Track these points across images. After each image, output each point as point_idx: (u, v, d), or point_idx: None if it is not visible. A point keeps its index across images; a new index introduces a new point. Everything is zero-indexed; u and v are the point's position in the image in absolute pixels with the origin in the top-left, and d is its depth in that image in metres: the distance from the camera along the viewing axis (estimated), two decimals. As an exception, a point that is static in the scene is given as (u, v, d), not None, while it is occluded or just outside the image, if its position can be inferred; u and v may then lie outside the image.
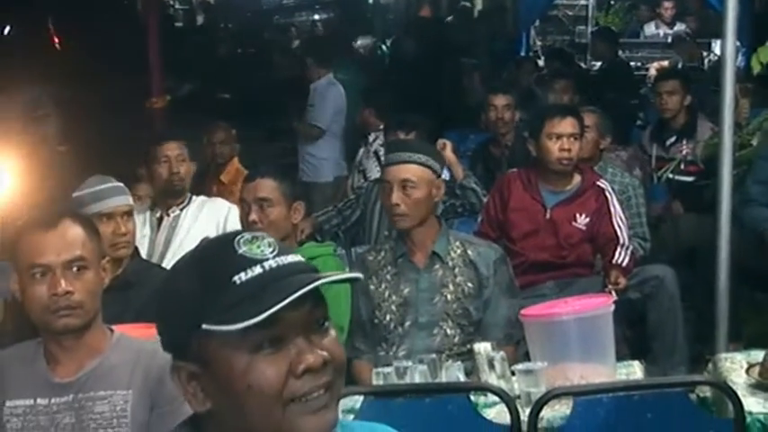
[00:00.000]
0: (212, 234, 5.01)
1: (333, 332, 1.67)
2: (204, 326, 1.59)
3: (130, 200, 4.47)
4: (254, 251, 1.63)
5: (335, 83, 9.00)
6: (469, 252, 4.27)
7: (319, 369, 1.61)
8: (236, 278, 1.59)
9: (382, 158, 6.31)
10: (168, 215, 5.28)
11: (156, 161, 5.28)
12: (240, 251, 1.62)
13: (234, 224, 5.09)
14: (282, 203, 4.26)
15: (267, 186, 4.28)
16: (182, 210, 5.29)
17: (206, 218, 5.24)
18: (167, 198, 5.29)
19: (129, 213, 4.39)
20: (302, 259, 1.67)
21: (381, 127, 7.04)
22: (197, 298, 1.62)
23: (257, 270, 1.60)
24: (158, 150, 5.30)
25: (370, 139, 7.48)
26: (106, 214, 4.25)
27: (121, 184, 4.48)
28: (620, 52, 12.75)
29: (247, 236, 1.65)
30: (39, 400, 2.94)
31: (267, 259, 1.62)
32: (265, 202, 4.25)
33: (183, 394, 1.66)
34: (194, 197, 5.40)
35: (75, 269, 2.91)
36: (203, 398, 1.65)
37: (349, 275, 1.68)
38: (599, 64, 12.45)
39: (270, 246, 1.64)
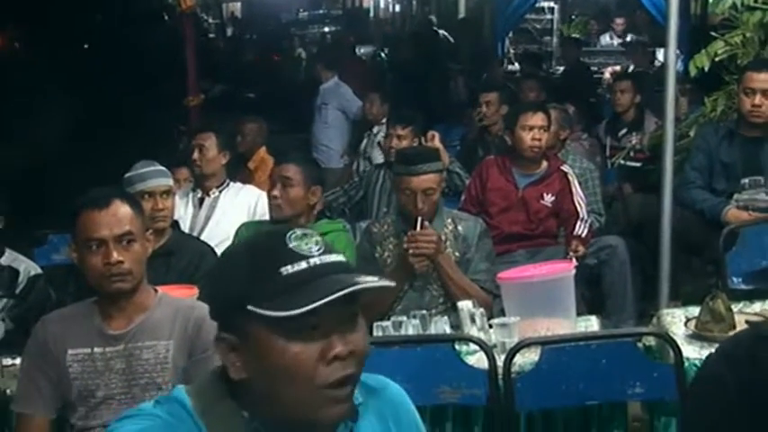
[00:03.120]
0: (244, 215, 5.03)
1: (362, 327, 1.62)
2: (249, 307, 1.54)
3: (170, 181, 4.43)
4: (302, 247, 1.57)
5: (341, 84, 8.96)
6: (459, 227, 4.25)
7: (346, 358, 1.57)
8: (283, 269, 1.55)
9: (383, 145, 6.31)
10: (209, 195, 5.25)
11: (191, 149, 5.27)
12: (290, 245, 1.57)
13: (263, 208, 5.09)
14: (302, 185, 4.24)
15: (291, 169, 4.27)
16: (220, 192, 5.25)
17: (240, 202, 5.20)
18: (204, 181, 5.26)
19: (167, 192, 4.35)
20: (344, 259, 1.62)
21: (383, 120, 7.02)
22: (246, 281, 1.57)
23: (303, 265, 1.55)
24: (193, 140, 5.29)
25: (375, 130, 7.45)
26: (148, 192, 4.23)
27: (162, 168, 4.44)
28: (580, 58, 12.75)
29: (298, 232, 1.60)
30: (95, 349, 2.94)
31: (313, 256, 1.56)
32: (288, 181, 4.23)
33: (223, 361, 1.62)
34: (232, 183, 5.33)
35: (124, 242, 2.90)
36: (240, 368, 1.60)
37: (385, 283, 1.59)
38: (562, 68, 12.46)
39: (317, 244, 1.59)
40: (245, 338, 1.58)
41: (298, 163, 4.34)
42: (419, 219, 4.08)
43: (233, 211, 5.13)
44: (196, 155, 5.19)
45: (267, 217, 4.76)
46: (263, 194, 5.09)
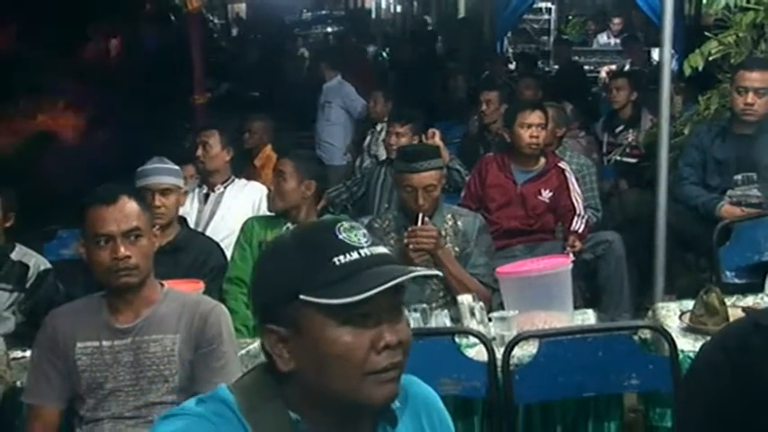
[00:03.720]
0: (249, 211, 5.02)
1: (407, 318, 1.64)
2: (302, 296, 1.54)
3: (173, 179, 4.37)
4: (352, 239, 1.58)
5: (344, 82, 8.95)
6: (459, 222, 4.24)
7: (395, 347, 1.57)
8: (335, 259, 1.55)
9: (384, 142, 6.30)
10: (214, 191, 5.24)
11: (196, 146, 5.26)
12: (340, 237, 1.58)
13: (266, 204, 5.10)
14: (294, 178, 4.30)
15: (285, 163, 4.37)
16: (225, 188, 5.24)
17: (245, 197, 5.20)
18: (209, 177, 5.25)
19: (168, 190, 4.29)
20: (388, 252, 1.64)
21: (386, 118, 7.00)
22: (298, 272, 1.56)
23: (354, 255, 1.56)
24: (198, 137, 5.28)
25: (378, 128, 7.43)
26: (147, 188, 4.20)
27: (169, 166, 4.41)
28: (575, 58, 12.74)
29: (347, 224, 1.61)
30: (104, 342, 2.94)
31: (363, 247, 1.58)
32: (281, 175, 4.33)
33: (271, 354, 1.60)
34: (236, 179, 5.32)
35: (132, 237, 2.90)
36: (289, 359, 1.59)
37: (432, 272, 1.66)
38: (557, 67, 12.47)
39: (365, 236, 1.60)
40: (297, 329, 1.57)
41: (291, 158, 4.42)
42: (419, 214, 4.07)
43: (237, 206, 5.12)
44: (200, 151, 5.18)
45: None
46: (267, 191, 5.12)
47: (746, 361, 1.78)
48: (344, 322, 1.55)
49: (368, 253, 1.58)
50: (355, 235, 1.59)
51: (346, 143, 8.59)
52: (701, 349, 1.99)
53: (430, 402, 1.81)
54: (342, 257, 1.56)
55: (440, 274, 1.67)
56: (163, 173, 4.35)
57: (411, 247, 4.02)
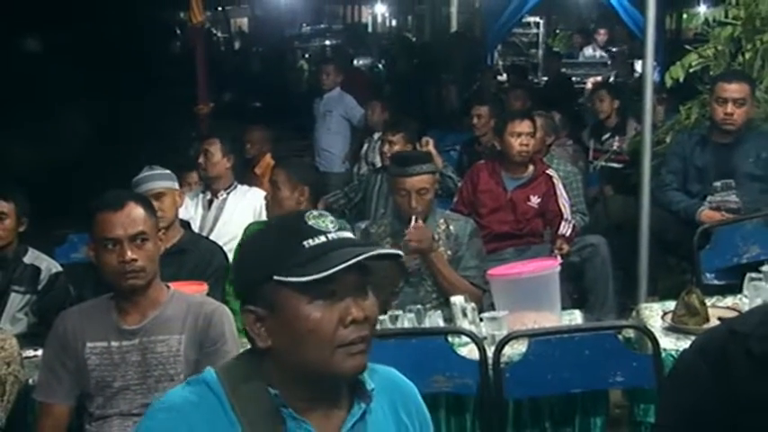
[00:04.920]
0: (250, 216, 5.01)
1: (373, 297, 1.69)
2: (276, 277, 1.60)
3: (166, 183, 4.31)
4: (320, 224, 1.66)
5: (344, 93, 8.92)
6: (451, 227, 4.23)
7: (362, 322, 1.64)
8: (305, 243, 1.62)
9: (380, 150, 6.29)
10: (217, 197, 5.23)
11: (198, 154, 5.25)
12: (310, 223, 1.65)
13: None
14: (287, 186, 4.23)
15: (278, 172, 4.29)
16: (228, 194, 5.23)
17: (247, 203, 5.18)
18: (212, 183, 5.24)
19: (162, 194, 4.22)
20: (353, 236, 1.70)
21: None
22: (272, 255, 1.64)
23: (322, 239, 1.63)
24: (202, 145, 5.27)
25: (375, 137, 7.42)
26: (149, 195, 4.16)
27: (160, 171, 4.35)
28: (563, 70, 12.76)
29: (315, 213, 1.69)
30: (112, 343, 2.93)
31: (330, 232, 1.65)
32: (275, 184, 4.26)
33: (249, 332, 1.67)
34: (239, 185, 5.30)
35: (138, 241, 2.90)
36: (266, 336, 1.66)
37: (393, 251, 1.71)
38: (545, 78, 12.48)
39: (332, 222, 1.67)
40: (272, 308, 1.64)
41: (283, 166, 4.36)
42: (413, 217, 4.06)
43: (240, 211, 5.11)
44: (202, 159, 5.17)
45: None
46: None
47: (723, 367, 1.83)
48: (314, 299, 1.62)
49: (334, 237, 1.65)
50: (323, 221, 1.67)
51: (345, 151, 8.57)
52: (681, 354, 2.02)
53: (407, 392, 1.85)
54: (311, 241, 1.63)
55: (400, 253, 1.70)
56: (154, 179, 4.31)
57: (404, 245, 4.00)
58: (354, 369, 1.65)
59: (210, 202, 5.21)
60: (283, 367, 1.66)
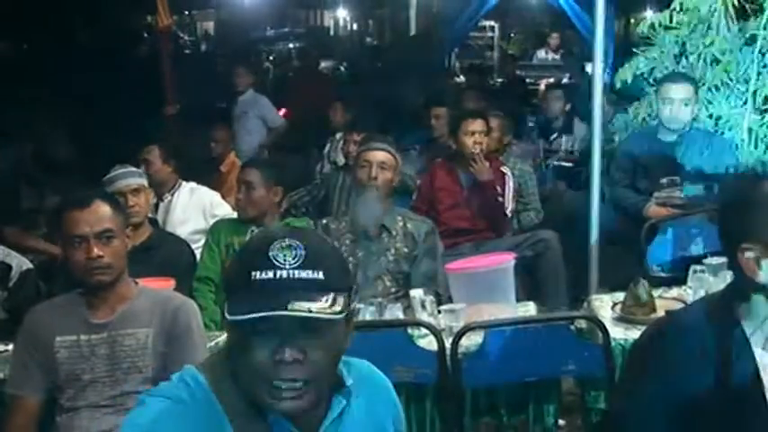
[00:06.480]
0: (200, 216, 4.97)
1: (319, 342, 1.52)
2: (225, 304, 1.52)
3: (139, 180, 4.33)
4: (278, 257, 1.49)
5: (257, 94, 8.67)
6: (408, 225, 4.24)
7: (291, 363, 1.50)
8: (253, 273, 1.49)
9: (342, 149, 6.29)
10: (162, 200, 5.18)
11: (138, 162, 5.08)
12: (270, 253, 1.50)
13: (218, 206, 5.06)
14: (263, 186, 4.23)
15: (252, 173, 4.28)
16: (172, 195, 5.17)
17: (195, 203, 5.12)
18: (156, 188, 4.91)
19: (137, 190, 4.25)
20: (321, 277, 1.50)
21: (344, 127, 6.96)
22: (232, 276, 1.55)
23: (269, 275, 1.48)
24: (140, 155, 5.16)
25: (337, 136, 7.39)
26: (118, 192, 4.13)
27: (132, 168, 4.40)
28: (517, 72, 12.82)
29: (285, 243, 1.51)
30: (81, 337, 2.91)
31: (283, 268, 1.48)
32: (250, 185, 4.24)
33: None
34: (184, 183, 5.22)
35: (104, 238, 2.89)
36: (231, 358, 1.60)
37: (333, 317, 1.49)
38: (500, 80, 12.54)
39: (295, 258, 1.49)
40: (228, 332, 1.59)
41: (257, 167, 4.35)
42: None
43: (189, 211, 5.07)
44: (142, 168, 4.96)
45: (221, 214, 4.74)
46: (216, 194, 5.10)
47: (661, 344, 2.02)
48: (249, 334, 1.51)
49: (284, 276, 1.49)
50: (284, 254, 1.50)
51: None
52: (633, 345, 2.23)
53: (383, 387, 1.84)
54: (258, 273, 1.49)
55: (340, 318, 1.52)
56: (129, 176, 4.32)
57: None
58: (288, 410, 1.54)
59: (156, 205, 5.14)
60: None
